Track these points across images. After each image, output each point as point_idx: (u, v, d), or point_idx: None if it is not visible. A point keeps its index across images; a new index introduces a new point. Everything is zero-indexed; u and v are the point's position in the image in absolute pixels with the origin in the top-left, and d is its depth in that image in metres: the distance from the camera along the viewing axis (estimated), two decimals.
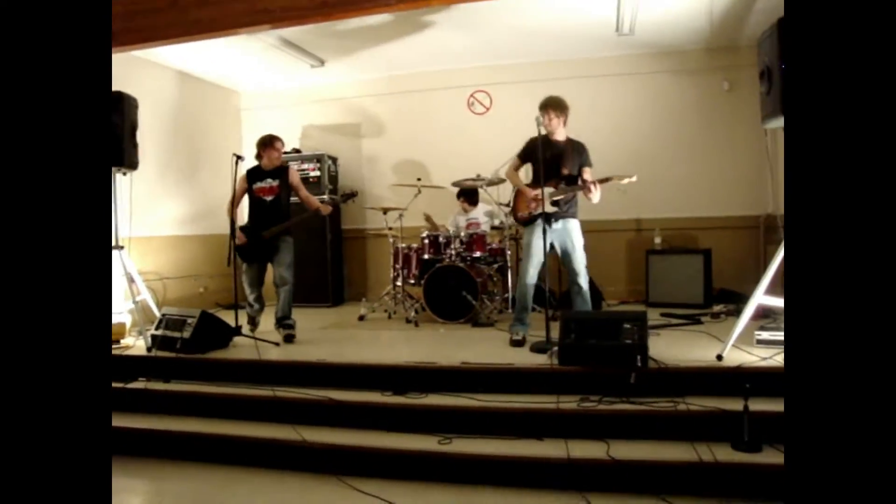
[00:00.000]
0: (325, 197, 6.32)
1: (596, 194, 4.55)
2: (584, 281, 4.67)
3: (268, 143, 5.29)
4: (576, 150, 4.75)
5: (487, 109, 7.55)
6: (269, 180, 5.30)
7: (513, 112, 7.11)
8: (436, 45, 6.67)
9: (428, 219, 6.50)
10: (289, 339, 5.13)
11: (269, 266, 5.43)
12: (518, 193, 4.93)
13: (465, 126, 7.55)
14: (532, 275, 4.64)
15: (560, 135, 4.74)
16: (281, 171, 5.36)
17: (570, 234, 4.66)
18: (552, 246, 4.59)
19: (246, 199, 5.43)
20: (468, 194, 6.67)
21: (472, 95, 7.58)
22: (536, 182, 4.74)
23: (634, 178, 4.56)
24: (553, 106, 4.68)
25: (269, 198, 5.31)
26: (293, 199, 5.51)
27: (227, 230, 5.06)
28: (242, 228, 5.18)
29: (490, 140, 7.19)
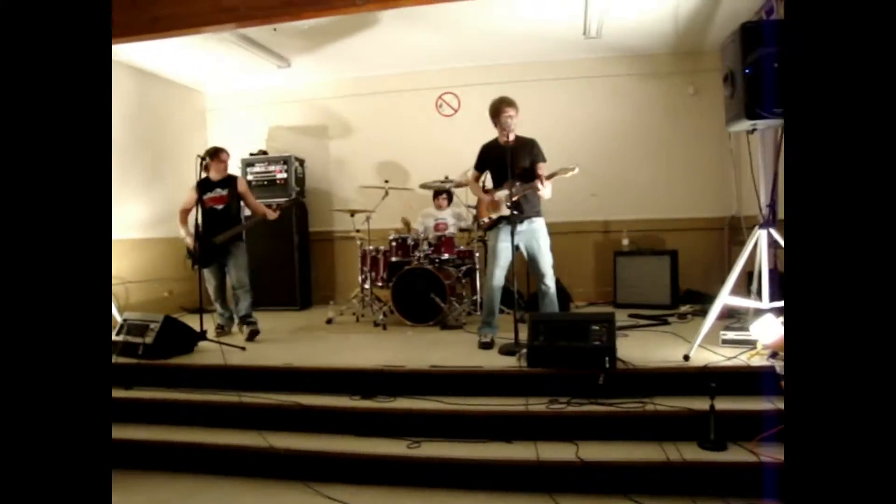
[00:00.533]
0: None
1: (545, 190, 4.51)
2: (550, 282, 4.65)
3: (213, 155, 5.44)
4: (525, 147, 4.69)
5: (456, 111, 7.54)
6: (219, 190, 5.48)
7: (481, 114, 7.01)
8: (404, 46, 6.64)
9: (406, 223, 6.46)
10: (252, 335, 5.28)
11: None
12: (479, 200, 4.95)
13: (434, 128, 7.53)
14: (499, 277, 4.62)
15: (511, 135, 4.64)
16: (230, 181, 5.56)
17: (536, 235, 4.63)
18: (518, 247, 4.51)
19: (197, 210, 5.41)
20: (444, 193, 6.65)
21: (440, 97, 7.56)
22: (495, 186, 4.79)
23: (576, 170, 4.50)
24: (515, 104, 4.63)
25: (219, 206, 5.48)
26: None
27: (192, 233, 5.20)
28: (196, 235, 5.14)
29: (458, 142, 7.14)
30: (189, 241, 5.37)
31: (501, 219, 4.62)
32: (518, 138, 4.67)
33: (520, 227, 4.49)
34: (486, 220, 4.79)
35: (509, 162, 4.40)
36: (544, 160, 4.72)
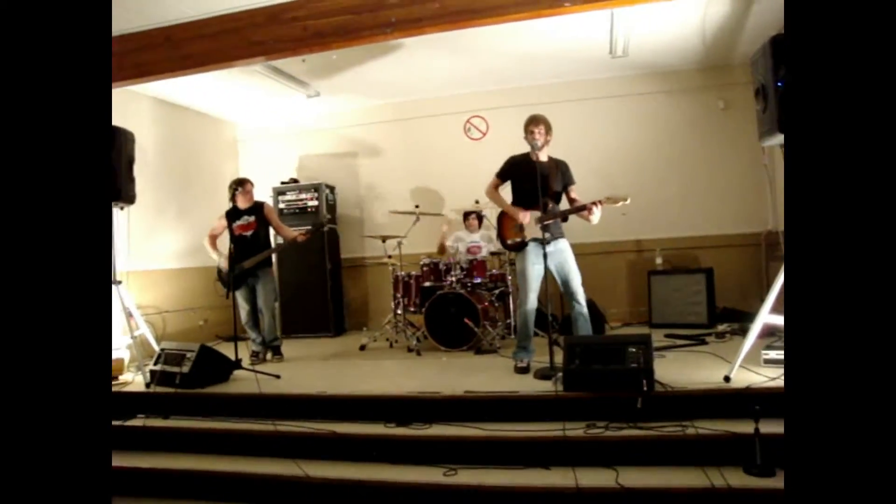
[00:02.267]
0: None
1: (596, 215, 4.43)
2: (583, 300, 4.58)
3: (239, 185, 5.65)
4: (559, 169, 4.67)
5: (484, 134, 7.57)
6: (246, 217, 5.67)
7: (509, 136, 7.04)
8: (430, 71, 6.70)
9: (441, 247, 6.47)
10: (276, 351, 5.70)
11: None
12: (504, 217, 4.79)
13: (463, 152, 7.55)
14: (532, 300, 4.56)
15: (543, 154, 4.63)
16: (256, 207, 5.73)
17: (565, 255, 4.57)
18: (547, 269, 4.39)
19: (228, 237, 5.70)
20: (474, 213, 6.65)
21: (468, 121, 7.60)
22: (520, 203, 4.67)
23: (629, 201, 4.43)
24: (544, 120, 4.61)
25: (248, 233, 5.65)
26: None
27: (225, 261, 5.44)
28: (227, 256, 5.38)
29: (487, 165, 7.07)
30: (221, 261, 5.58)
31: (531, 240, 4.57)
32: (550, 159, 4.66)
33: (548, 249, 4.36)
34: (516, 239, 4.68)
35: (540, 181, 4.35)
36: (574, 182, 4.71)
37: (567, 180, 4.69)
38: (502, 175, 4.80)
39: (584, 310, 4.59)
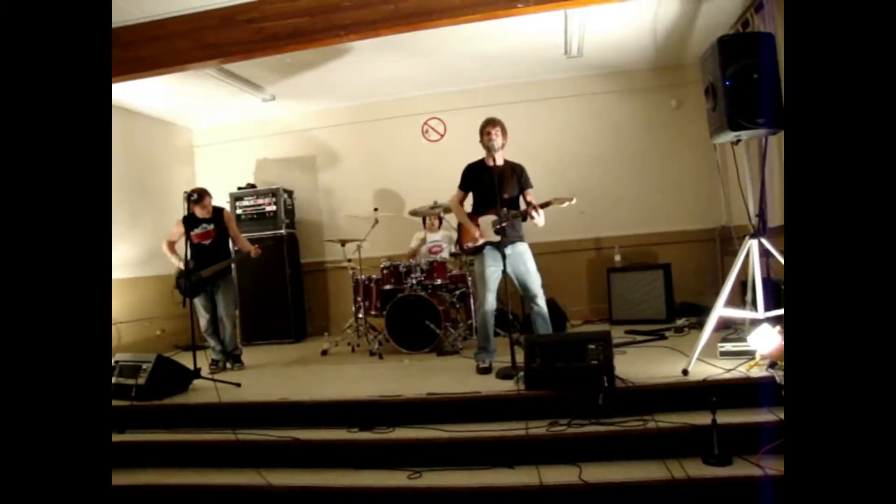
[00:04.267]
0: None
1: (540, 218, 4.45)
2: (542, 302, 4.60)
3: (197, 201, 5.43)
4: (515, 173, 4.68)
5: (442, 136, 7.57)
6: (205, 225, 5.54)
7: (467, 138, 7.06)
8: (386, 73, 6.68)
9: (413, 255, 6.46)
10: (236, 360, 5.63)
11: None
12: (462, 225, 4.83)
13: (421, 154, 7.55)
14: (490, 301, 4.57)
15: (499, 158, 4.65)
16: (216, 215, 5.61)
17: (523, 258, 4.57)
18: (505, 272, 4.39)
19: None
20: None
21: (426, 123, 7.60)
22: (478, 209, 4.71)
23: (574, 201, 4.51)
24: (500, 123, 4.62)
25: (206, 242, 5.53)
26: None
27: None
28: (185, 269, 5.20)
29: (446, 167, 7.11)
30: (180, 264, 5.41)
31: (487, 244, 4.58)
32: (506, 162, 4.66)
33: (506, 251, 4.39)
34: (471, 244, 4.69)
35: (497, 187, 4.39)
36: (531, 186, 4.71)
37: (523, 184, 4.69)
38: (462, 186, 4.79)
39: (544, 310, 4.60)
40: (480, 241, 4.61)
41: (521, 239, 4.63)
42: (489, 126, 4.60)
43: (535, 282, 4.57)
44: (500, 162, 4.64)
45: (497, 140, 4.57)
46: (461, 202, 4.83)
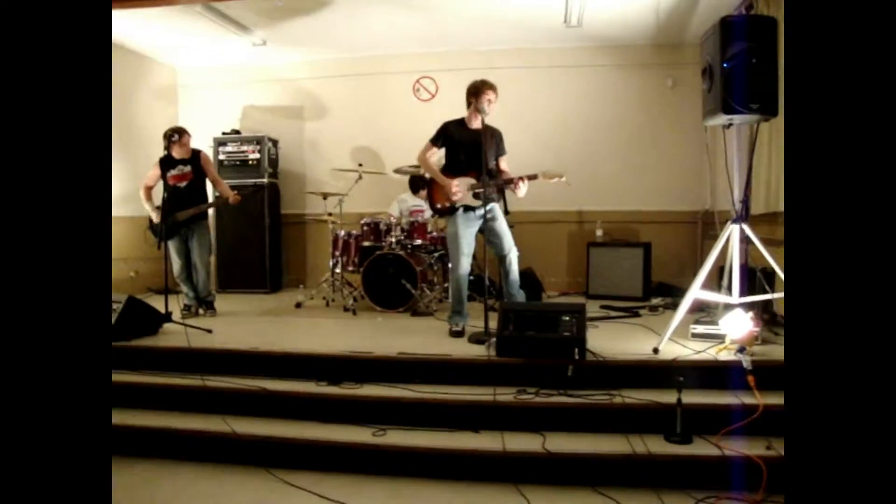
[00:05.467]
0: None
1: (522, 189, 4.44)
2: (514, 257, 4.59)
3: (175, 138, 5.33)
4: (494, 138, 4.63)
5: (433, 96, 7.46)
6: (182, 167, 5.43)
7: (458, 99, 6.96)
8: (382, 27, 6.53)
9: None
10: (209, 306, 5.61)
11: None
12: (434, 182, 4.74)
13: (410, 112, 7.43)
14: (465, 265, 4.57)
15: (478, 122, 4.54)
16: (193, 157, 5.50)
17: (495, 214, 4.55)
18: (480, 231, 4.47)
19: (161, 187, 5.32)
20: (418, 184, 6.56)
21: (417, 81, 7.47)
22: (453, 170, 4.63)
23: (564, 179, 4.46)
24: (496, 90, 4.52)
25: (182, 184, 5.44)
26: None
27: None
28: (160, 209, 5.15)
29: (434, 127, 7.07)
30: (154, 215, 5.38)
31: (463, 206, 4.55)
32: (485, 126, 4.52)
33: (479, 212, 4.45)
34: (445, 204, 4.63)
35: (481, 150, 4.36)
36: (505, 153, 4.68)
37: (499, 150, 4.66)
38: (436, 140, 4.69)
39: (514, 266, 4.61)
40: (458, 204, 4.56)
41: (494, 200, 4.57)
42: (490, 91, 4.48)
43: (508, 243, 4.58)
44: (478, 125, 4.56)
45: (493, 106, 4.50)
46: (427, 154, 4.72)
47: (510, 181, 4.48)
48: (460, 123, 4.64)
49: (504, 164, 4.64)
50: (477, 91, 4.51)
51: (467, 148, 4.49)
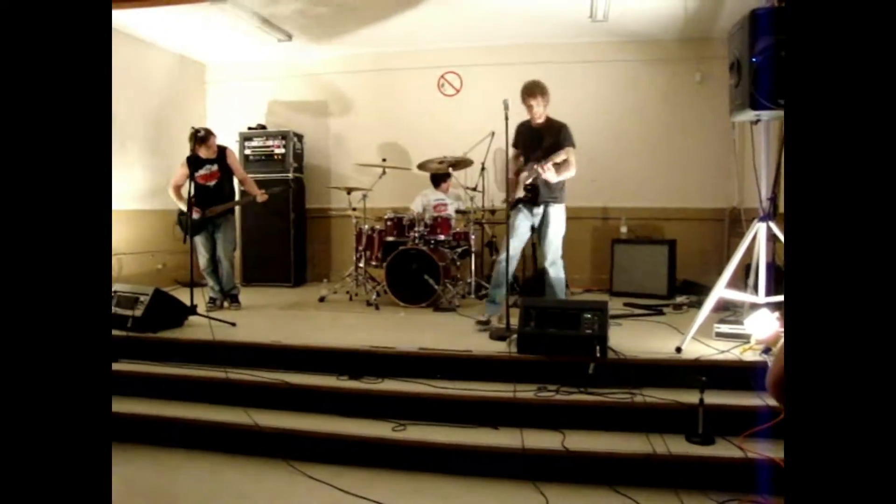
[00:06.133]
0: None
1: (548, 174, 4.50)
2: (552, 269, 4.69)
3: (202, 140, 5.40)
4: (551, 131, 4.71)
5: (458, 91, 7.44)
6: (209, 166, 5.49)
7: (483, 95, 7.01)
8: (407, 23, 6.52)
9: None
10: (234, 299, 5.68)
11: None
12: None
13: (435, 107, 7.44)
14: (514, 246, 4.67)
15: (541, 118, 4.72)
16: (220, 156, 5.55)
17: (548, 220, 4.67)
18: (533, 228, 4.72)
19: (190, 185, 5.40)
20: (439, 177, 6.58)
21: (442, 76, 7.46)
22: (523, 167, 4.82)
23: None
24: (539, 92, 4.64)
25: (211, 183, 5.49)
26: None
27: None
28: (188, 207, 5.18)
29: (459, 122, 7.10)
30: (185, 207, 5.38)
31: (518, 200, 4.72)
32: (548, 121, 4.74)
33: (536, 210, 4.67)
34: (511, 199, 4.78)
35: (532, 145, 4.67)
36: (572, 145, 4.70)
37: (562, 142, 4.67)
38: (514, 143, 4.86)
39: (552, 276, 4.71)
40: (516, 196, 4.74)
41: (554, 201, 4.68)
42: (529, 99, 4.65)
43: (551, 248, 4.68)
44: (541, 121, 4.73)
45: (537, 110, 4.67)
46: (514, 159, 4.93)
47: (535, 171, 4.57)
48: (526, 122, 4.81)
49: (564, 156, 4.60)
50: (522, 99, 4.68)
51: (526, 145, 4.77)
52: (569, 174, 4.64)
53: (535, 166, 4.53)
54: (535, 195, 4.64)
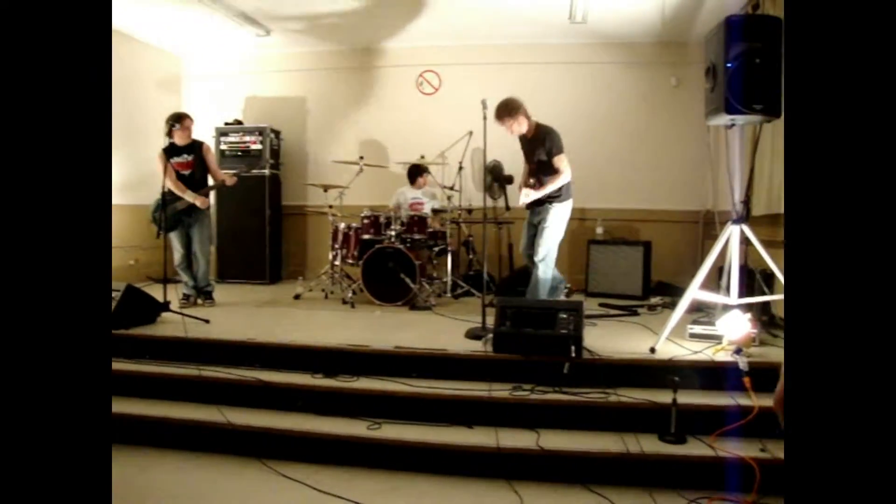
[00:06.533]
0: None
1: (532, 195, 4.76)
2: (540, 266, 4.77)
3: (177, 121, 5.38)
4: (538, 141, 4.80)
5: (436, 90, 7.44)
6: (185, 155, 5.46)
7: (461, 93, 7.02)
8: (386, 20, 6.51)
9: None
10: (207, 296, 5.64)
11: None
12: None
13: (413, 106, 7.42)
14: (521, 244, 5.09)
15: (524, 131, 4.83)
16: (196, 147, 5.53)
17: (543, 219, 4.82)
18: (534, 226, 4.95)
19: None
20: (415, 172, 6.58)
21: (421, 75, 7.45)
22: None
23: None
24: (508, 113, 4.71)
25: (185, 172, 5.46)
26: None
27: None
28: (161, 201, 5.08)
29: (437, 120, 7.10)
30: (190, 197, 5.37)
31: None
32: (536, 129, 4.84)
33: (538, 209, 4.87)
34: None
35: (526, 156, 4.94)
36: (556, 152, 4.75)
37: (548, 149, 4.76)
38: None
39: (538, 274, 4.79)
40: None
41: (555, 200, 4.82)
42: (498, 122, 4.72)
43: (540, 245, 4.80)
44: (528, 132, 4.85)
45: (515, 129, 4.79)
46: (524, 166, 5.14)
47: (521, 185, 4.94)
48: (524, 134, 4.90)
49: (555, 162, 4.74)
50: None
51: (525, 155, 5.01)
52: (558, 182, 4.74)
53: (521, 191, 4.82)
54: (532, 200, 4.84)
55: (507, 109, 4.70)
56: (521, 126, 4.77)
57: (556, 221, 4.80)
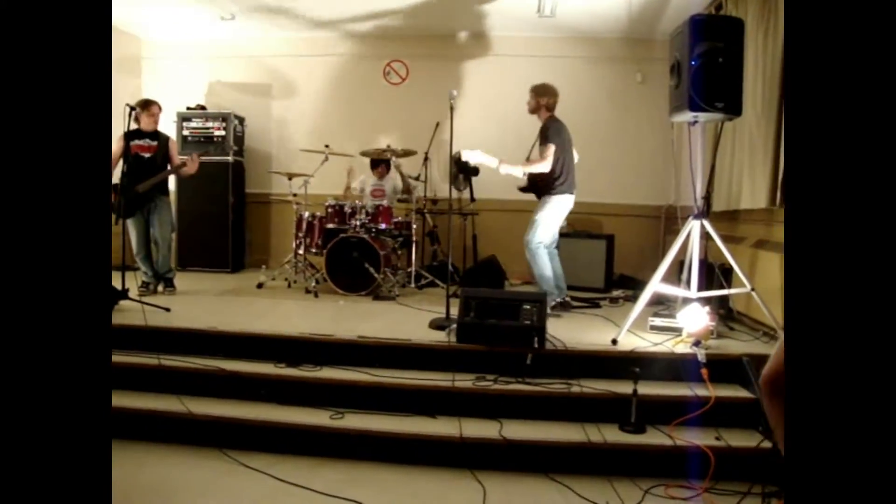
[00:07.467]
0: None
1: (511, 169, 4.86)
2: (530, 248, 4.96)
3: (144, 107, 5.31)
4: (543, 128, 5.02)
5: (403, 80, 7.40)
6: (148, 140, 5.37)
7: (428, 84, 7.01)
8: (355, 8, 6.43)
9: (350, 172, 6.38)
10: (168, 283, 5.53)
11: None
12: None
13: (379, 95, 7.38)
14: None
15: (537, 115, 5.11)
16: (162, 138, 5.49)
17: (538, 207, 5.02)
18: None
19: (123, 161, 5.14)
20: (383, 163, 6.54)
21: (388, 65, 7.40)
22: None
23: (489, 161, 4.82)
24: (533, 90, 5.11)
25: (146, 155, 5.37)
26: None
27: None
28: (115, 186, 4.93)
29: (404, 111, 7.08)
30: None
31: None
32: (548, 120, 5.05)
33: (539, 201, 5.07)
34: None
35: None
36: (547, 141, 4.90)
37: (542, 136, 4.98)
38: None
39: (530, 255, 5.00)
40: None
41: (549, 192, 4.99)
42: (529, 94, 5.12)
43: (529, 232, 4.99)
44: (543, 120, 5.07)
45: (528, 106, 5.13)
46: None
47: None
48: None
49: (542, 149, 4.92)
50: None
51: None
52: (531, 168, 4.91)
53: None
54: (535, 191, 5.08)
55: (537, 89, 5.08)
56: (534, 109, 5.09)
57: (547, 210, 4.94)
